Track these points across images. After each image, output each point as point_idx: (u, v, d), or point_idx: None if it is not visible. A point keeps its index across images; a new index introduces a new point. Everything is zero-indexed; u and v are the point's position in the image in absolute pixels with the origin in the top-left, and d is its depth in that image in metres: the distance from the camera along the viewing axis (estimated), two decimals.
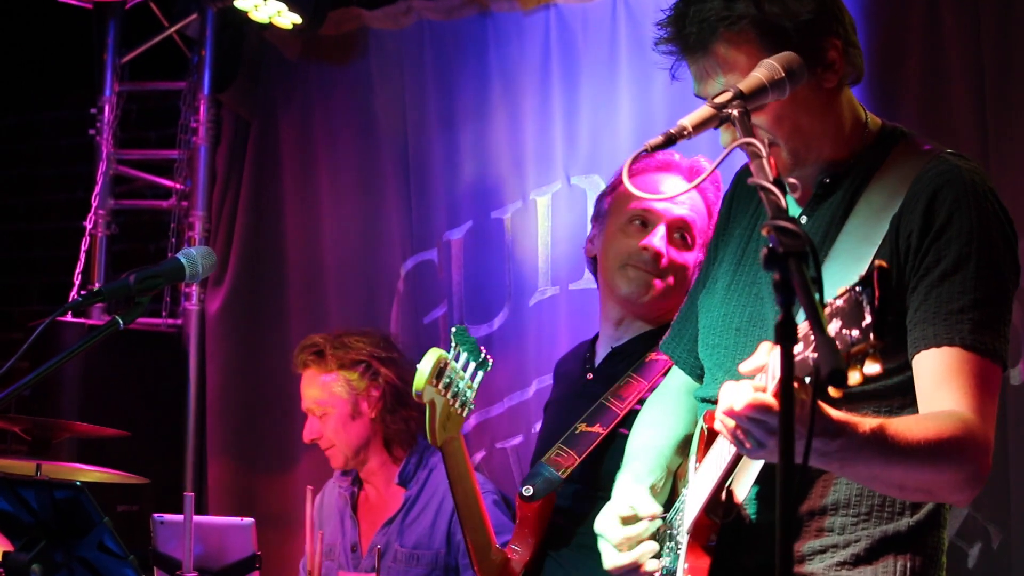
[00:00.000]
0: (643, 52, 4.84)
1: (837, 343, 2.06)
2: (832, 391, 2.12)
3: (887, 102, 4.31)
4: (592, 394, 3.87)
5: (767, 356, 2.34)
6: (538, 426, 4.91)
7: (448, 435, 3.60)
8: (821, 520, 2.67)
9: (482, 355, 3.62)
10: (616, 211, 3.93)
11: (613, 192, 3.99)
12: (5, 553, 3.31)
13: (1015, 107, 4.27)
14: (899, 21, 4.45)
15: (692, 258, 3.85)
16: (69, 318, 5.44)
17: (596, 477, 3.80)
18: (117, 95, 5.90)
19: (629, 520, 2.91)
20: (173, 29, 5.90)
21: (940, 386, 2.52)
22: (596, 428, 3.81)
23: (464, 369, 3.58)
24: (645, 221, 3.86)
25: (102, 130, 5.88)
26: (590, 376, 3.98)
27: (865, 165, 2.71)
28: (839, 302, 2.14)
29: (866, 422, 2.38)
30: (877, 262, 2.05)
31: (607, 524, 2.95)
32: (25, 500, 3.28)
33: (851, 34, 2.70)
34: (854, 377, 2.13)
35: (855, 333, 2.07)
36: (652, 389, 3.79)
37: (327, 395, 4.63)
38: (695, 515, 2.71)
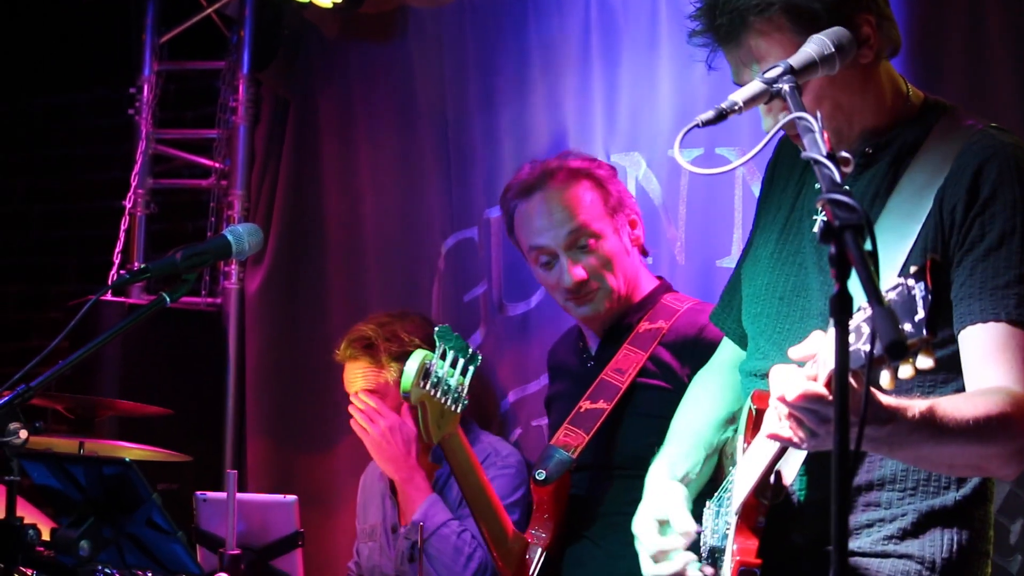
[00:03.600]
0: (684, 29, 4.79)
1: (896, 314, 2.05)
2: (886, 382, 2.12)
3: (928, 74, 4.26)
4: (596, 378, 3.93)
5: (818, 345, 2.34)
6: None
7: (445, 432, 3.66)
8: (868, 495, 2.68)
9: (470, 350, 3.67)
10: (526, 255, 4.08)
11: (514, 241, 4.13)
12: (53, 530, 3.32)
13: None
14: None
15: (609, 243, 3.95)
16: (109, 297, 5.46)
17: (609, 456, 3.83)
18: (156, 75, 5.92)
19: (665, 524, 2.90)
20: (212, 8, 5.91)
21: (987, 361, 2.53)
22: (600, 404, 3.85)
23: (453, 366, 3.62)
24: (547, 260, 3.98)
25: (141, 110, 5.90)
26: (591, 364, 4.01)
27: (908, 137, 2.72)
28: (891, 295, 2.14)
29: (915, 406, 2.38)
30: (930, 255, 2.06)
31: (644, 528, 2.93)
32: (73, 477, 3.30)
33: (884, 7, 2.70)
34: (907, 371, 2.15)
35: (908, 328, 2.08)
36: (650, 359, 3.82)
37: (381, 383, 4.55)
38: (744, 497, 2.71)
